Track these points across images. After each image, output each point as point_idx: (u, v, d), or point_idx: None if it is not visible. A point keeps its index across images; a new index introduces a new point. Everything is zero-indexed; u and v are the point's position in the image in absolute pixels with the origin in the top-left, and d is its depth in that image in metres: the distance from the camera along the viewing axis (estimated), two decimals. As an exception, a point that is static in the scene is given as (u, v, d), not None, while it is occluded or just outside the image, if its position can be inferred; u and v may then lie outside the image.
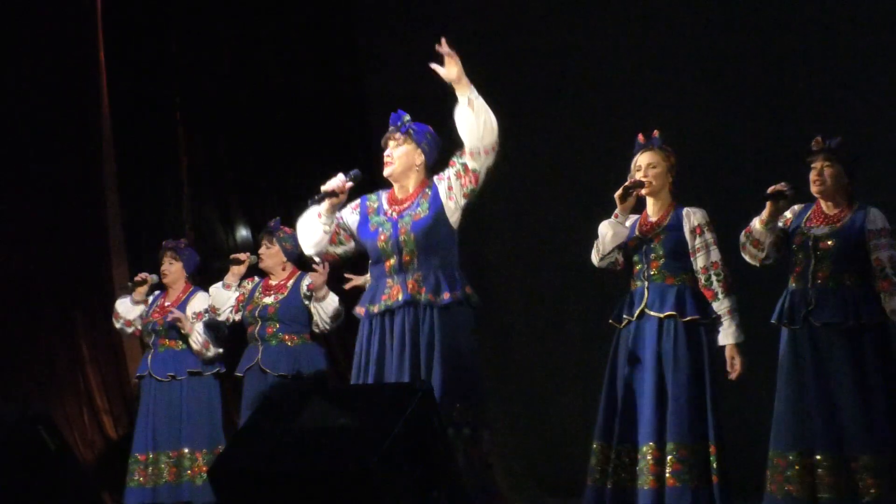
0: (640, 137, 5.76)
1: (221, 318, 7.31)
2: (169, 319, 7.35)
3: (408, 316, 5.04)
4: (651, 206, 5.75)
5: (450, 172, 5.13)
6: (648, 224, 5.70)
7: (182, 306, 7.47)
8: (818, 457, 5.34)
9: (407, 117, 5.23)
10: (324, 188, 5.15)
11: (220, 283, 7.33)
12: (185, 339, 7.38)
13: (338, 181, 5.15)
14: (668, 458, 5.42)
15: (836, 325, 5.39)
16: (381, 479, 3.85)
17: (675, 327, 5.55)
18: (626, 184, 5.63)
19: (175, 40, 9.31)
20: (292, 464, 4.05)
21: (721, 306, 5.57)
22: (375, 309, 5.10)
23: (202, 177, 9.24)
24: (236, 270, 7.28)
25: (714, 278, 5.58)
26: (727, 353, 5.59)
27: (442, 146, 5.26)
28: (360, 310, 5.21)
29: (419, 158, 5.21)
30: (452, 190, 5.11)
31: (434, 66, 4.99)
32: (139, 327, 7.63)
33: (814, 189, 5.52)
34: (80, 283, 8.89)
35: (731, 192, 7.04)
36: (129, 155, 9.27)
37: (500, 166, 8.63)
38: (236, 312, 7.21)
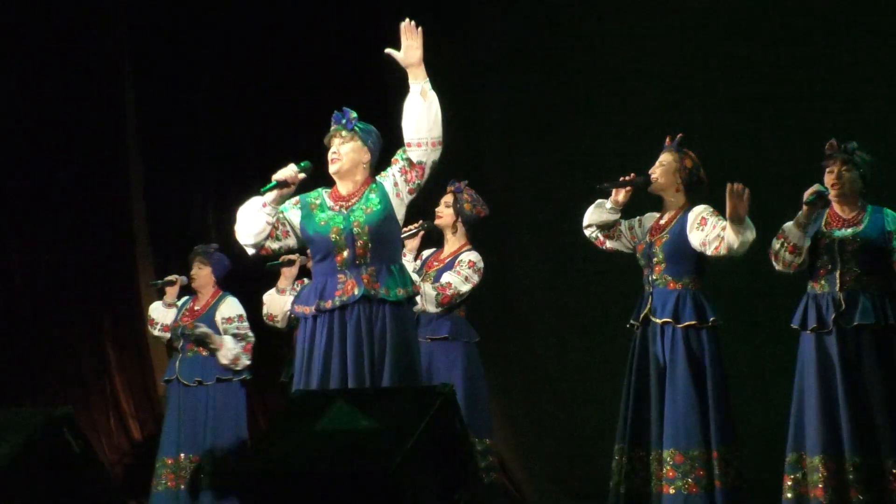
0: (668, 140, 5.80)
1: (280, 325, 7.25)
2: (197, 333, 7.31)
3: (363, 312, 4.93)
4: (664, 209, 5.78)
5: (394, 169, 5.03)
6: (657, 227, 5.73)
7: (211, 311, 7.45)
8: (849, 461, 5.29)
9: (354, 115, 5.12)
10: (275, 176, 5.02)
11: (273, 290, 7.26)
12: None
13: (290, 171, 5.04)
14: (665, 465, 5.43)
15: (867, 327, 5.36)
16: (403, 482, 3.86)
17: (672, 333, 5.55)
18: (625, 177, 5.69)
19: (201, 43, 9.32)
20: (315, 465, 4.06)
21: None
22: (328, 305, 4.95)
23: (229, 181, 9.24)
24: (288, 273, 7.19)
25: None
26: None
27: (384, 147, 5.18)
28: (304, 308, 5.05)
29: (365, 156, 5.09)
30: (398, 186, 5.01)
31: (390, 50, 4.92)
32: None
33: (831, 192, 5.48)
34: (106, 288, 8.92)
35: (755, 197, 7.02)
36: (156, 159, 9.29)
37: (523, 167, 8.71)
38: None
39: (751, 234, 5.40)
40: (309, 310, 5.03)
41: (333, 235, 4.99)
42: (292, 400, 4.57)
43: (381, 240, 4.98)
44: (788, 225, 5.47)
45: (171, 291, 7.57)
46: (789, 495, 5.40)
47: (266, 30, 9.31)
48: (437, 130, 4.93)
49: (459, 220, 6.57)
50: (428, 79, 4.90)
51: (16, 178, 8.63)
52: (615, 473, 5.59)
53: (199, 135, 9.40)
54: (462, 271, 6.40)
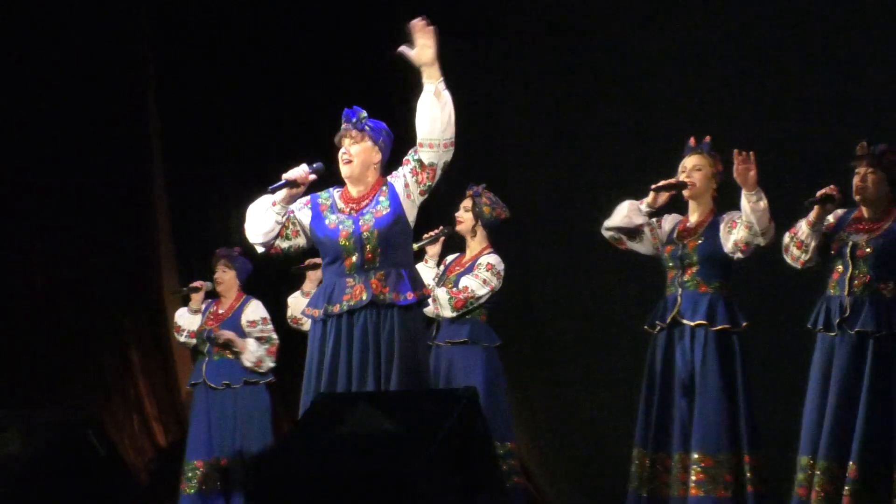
0: (692, 141, 5.77)
1: (305, 327, 7.26)
2: (220, 342, 7.32)
3: (370, 317, 4.88)
4: (692, 211, 5.76)
5: (405, 170, 4.94)
6: (687, 230, 5.71)
7: (236, 315, 7.46)
8: (847, 465, 5.29)
9: (364, 114, 5.04)
10: (286, 176, 4.96)
11: (298, 293, 7.27)
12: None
13: (301, 171, 4.97)
14: (693, 467, 5.42)
15: (868, 334, 5.34)
16: (425, 485, 3.86)
17: (705, 336, 5.54)
18: (665, 182, 5.65)
19: (224, 44, 9.35)
20: (336, 468, 4.06)
21: None
22: (336, 309, 4.91)
23: (252, 183, 9.24)
24: (313, 276, 7.17)
25: None
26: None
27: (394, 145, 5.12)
28: (313, 311, 5.02)
29: (377, 156, 5.01)
30: (409, 187, 4.93)
31: (403, 48, 4.84)
32: None
33: (855, 195, 5.46)
34: (129, 291, 8.94)
35: (779, 198, 7.00)
36: (178, 163, 9.32)
37: (544, 170, 8.70)
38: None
39: (764, 203, 5.39)
40: (318, 313, 4.99)
41: (342, 240, 4.94)
42: (314, 403, 4.57)
43: (391, 244, 4.92)
44: (801, 221, 5.46)
45: (197, 297, 7.57)
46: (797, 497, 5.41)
47: (288, 31, 9.31)
48: (450, 131, 4.82)
49: (479, 223, 6.56)
50: (442, 78, 4.79)
51: (38, 181, 8.67)
52: (635, 477, 5.59)
53: (222, 137, 9.42)
54: (480, 274, 6.39)
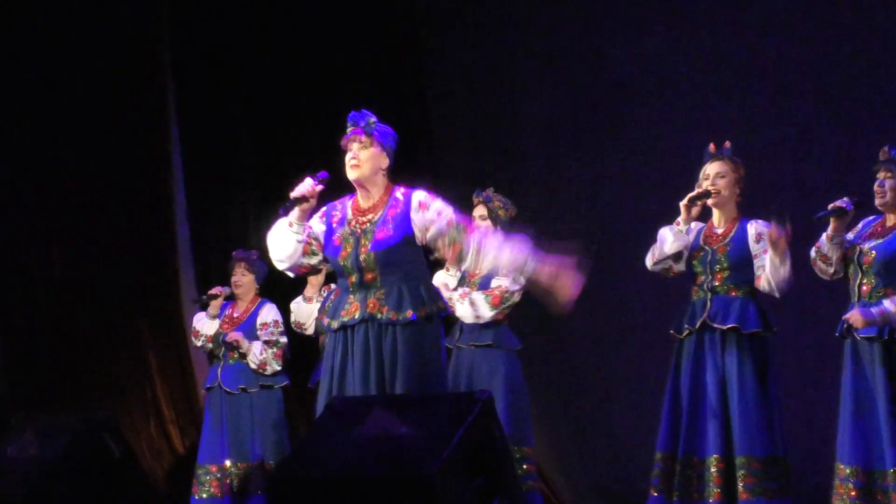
0: (712, 147, 5.74)
1: (309, 332, 7.26)
2: (228, 340, 7.32)
3: (371, 331, 4.82)
4: (717, 217, 5.73)
5: (440, 223, 4.89)
6: (714, 235, 5.68)
7: (251, 318, 7.44)
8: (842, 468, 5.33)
9: (373, 119, 4.97)
10: (293, 194, 4.89)
11: (300, 298, 7.26)
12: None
13: (306, 185, 4.91)
14: (740, 471, 5.40)
15: (872, 339, 5.33)
16: (442, 488, 3.85)
17: (737, 340, 5.52)
18: (693, 193, 5.63)
19: (242, 49, 9.35)
20: (354, 471, 4.05)
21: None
22: (335, 325, 4.89)
23: (270, 187, 9.25)
24: (314, 281, 7.17)
25: None
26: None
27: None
28: (325, 319, 4.99)
29: (385, 162, 4.94)
30: (427, 233, 4.87)
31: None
32: None
33: (876, 201, 5.44)
34: (147, 294, 8.94)
35: (802, 206, 6.97)
36: (197, 168, 9.32)
37: (564, 177, 8.68)
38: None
39: (785, 270, 5.43)
40: (328, 322, 4.98)
41: (342, 260, 4.89)
42: (330, 406, 4.56)
43: (392, 263, 4.83)
44: (823, 235, 5.45)
45: (216, 303, 7.56)
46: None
47: (308, 37, 9.32)
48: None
49: (498, 227, 6.54)
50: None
51: (57, 188, 8.69)
52: (660, 482, 5.55)
53: (240, 142, 9.43)
54: (510, 273, 6.38)
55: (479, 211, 6.50)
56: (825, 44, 7.62)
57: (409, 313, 4.79)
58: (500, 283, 6.31)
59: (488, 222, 6.49)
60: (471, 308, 6.27)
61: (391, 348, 4.80)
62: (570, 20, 8.75)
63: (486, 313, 6.32)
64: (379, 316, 4.80)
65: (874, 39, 7.47)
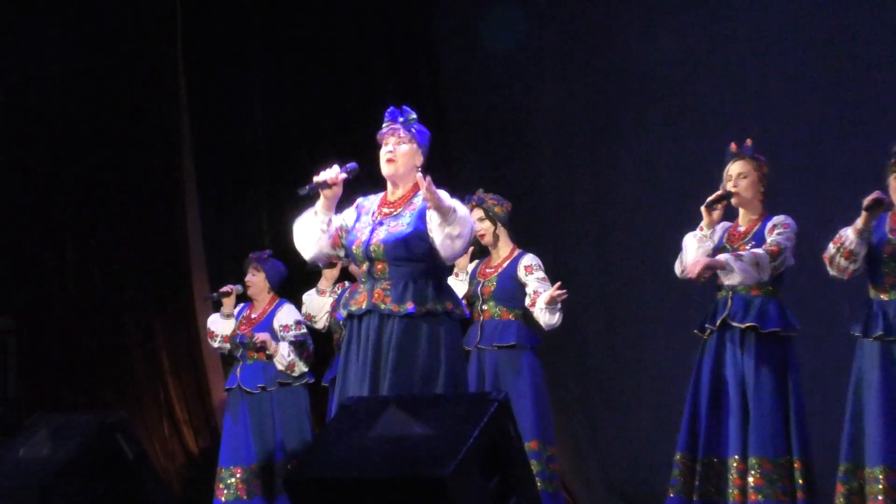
0: (733, 146, 5.67)
1: (318, 325, 7.25)
2: (256, 342, 7.28)
3: (373, 323, 4.83)
4: (742, 216, 5.68)
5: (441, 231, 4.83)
6: (737, 234, 5.63)
7: (268, 319, 7.41)
8: (868, 470, 5.27)
9: (413, 115, 4.97)
10: (316, 178, 4.89)
11: (313, 290, 7.26)
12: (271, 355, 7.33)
13: (331, 172, 4.90)
14: (752, 472, 5.36)
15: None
16: (457, 488, 3.83)
17: (756, 339, 5.47)
18: (712, 197, 5.56)
19: (254, 48, 9.36)
20: (368, 472, 4.03)
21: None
22: (345, 313, 4.94)
23: (283, 186, 9.24)
24: (329, 275, 7.18)
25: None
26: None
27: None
28: (341, 311, 5.05)
29: (419, 160, 4.95)
30: (432, 233, 4.81)
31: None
32: None
33: (893, 196, 5.37)
34: (160, 294, 8.96)
35: (823, 203, 6.94)
36: (209, 166, 9.33)
37: (578, 175, 8.66)
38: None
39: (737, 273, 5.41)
40: (341, 311, 5.03)
41: (355, 248, 4.91)
42: (344, 405, 4.54)
43: (401, 257, 4.82)
44: (846, 230, 5.36)
45: (228, 302, 7.50)
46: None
47: (321, 31, 9.33)
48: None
49: (498, 226, 6.53)
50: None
51: (69, 187, 8.72)
52: (679, 482, 5.52)
53: (253, 140, 9.43)
54: (538, 273, 6.38)
55: (477, 214, 6.48)
56: (848, 39, 7.58)
57: (409, 305, 4.80)
58: (537, 287, 6.31)
59: (487, 223, 6.49)
60: (541, 314, 6.31)
61: (389, 338, 4.81)
62: (586, 17, 8.74)
63: (555, 319, 6.33)
64: (382, 307, 4.82)
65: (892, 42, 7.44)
